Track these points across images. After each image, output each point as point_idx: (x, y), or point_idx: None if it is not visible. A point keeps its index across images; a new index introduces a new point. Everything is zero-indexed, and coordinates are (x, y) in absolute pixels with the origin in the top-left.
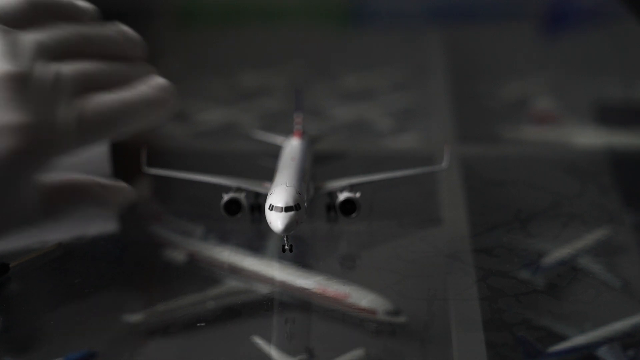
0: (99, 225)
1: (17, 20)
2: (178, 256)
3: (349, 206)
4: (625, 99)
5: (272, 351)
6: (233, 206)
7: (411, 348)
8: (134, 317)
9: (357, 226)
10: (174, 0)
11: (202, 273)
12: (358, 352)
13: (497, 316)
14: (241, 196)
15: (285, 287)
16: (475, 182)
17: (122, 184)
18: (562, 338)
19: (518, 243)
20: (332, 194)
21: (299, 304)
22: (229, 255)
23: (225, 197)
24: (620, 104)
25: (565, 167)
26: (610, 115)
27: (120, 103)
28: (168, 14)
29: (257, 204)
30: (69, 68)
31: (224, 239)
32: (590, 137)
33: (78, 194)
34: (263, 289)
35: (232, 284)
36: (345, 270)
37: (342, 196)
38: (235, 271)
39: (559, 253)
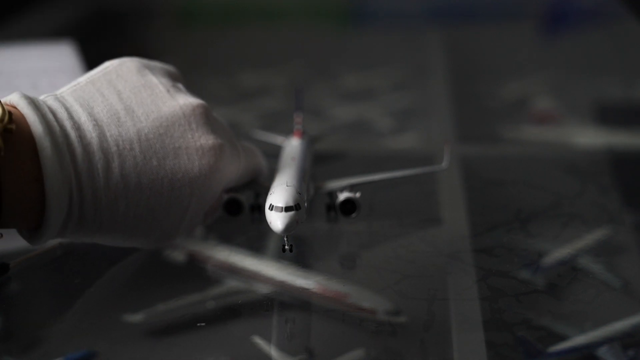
0: None
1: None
2: (178, 256)
3: (349, 206)
4: (625, 99)
5: (272, 351)
6: (233, 206)
7: (411, 348)
8: (134, 317)
9: (357, 226)
10: (174, 0)
11: (202, 273)
12: (358, 352)
13: (497, 316)
14: (241, 196)
15: (285, 287)
16: (475, 182)
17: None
18: (562, 338)
19: (518, 243)
20: (332, 194)
21: (299, 304)
22: (229, 255)
23: (225, 197)
24: (620, 104)
25: (565, 167)
26: (610, 115)
27: (254, 148)
28: (168, 14)
29: (257, 204)
30: None
31: (224, 239)
32: (590, 137)
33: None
34: (263, 289)
35: (232, 284)
36: (345, 270)
37: (342, 196)
38: (235, 271)
39: (559, 253)
